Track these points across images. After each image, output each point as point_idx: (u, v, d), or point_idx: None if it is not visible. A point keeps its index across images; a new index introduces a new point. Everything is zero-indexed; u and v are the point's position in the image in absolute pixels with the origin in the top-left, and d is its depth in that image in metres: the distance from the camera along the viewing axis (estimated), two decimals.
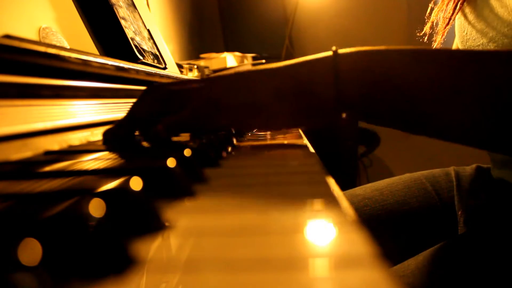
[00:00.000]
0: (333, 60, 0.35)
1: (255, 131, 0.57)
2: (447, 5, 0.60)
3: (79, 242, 0.13)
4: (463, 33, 0.57)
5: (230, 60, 1.46)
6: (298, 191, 0.23)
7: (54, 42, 0.44)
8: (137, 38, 0.64)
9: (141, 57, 0.61)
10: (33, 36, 0.42)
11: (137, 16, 0.71)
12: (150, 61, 0.66)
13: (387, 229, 0.62)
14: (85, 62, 0.39)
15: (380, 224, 0.63)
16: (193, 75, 1.18)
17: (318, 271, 0.13)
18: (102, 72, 0.43)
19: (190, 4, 1.92)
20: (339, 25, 2.02)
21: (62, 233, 0.13)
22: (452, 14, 0.59)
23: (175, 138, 0.39)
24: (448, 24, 0.62)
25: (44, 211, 0.14)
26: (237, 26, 2.07)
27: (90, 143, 0.38)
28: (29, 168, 0.25)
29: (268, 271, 0.13)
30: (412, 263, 0.51)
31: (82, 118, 0.39)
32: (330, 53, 0.36)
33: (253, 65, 1.56)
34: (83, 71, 0.39)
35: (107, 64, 0.43)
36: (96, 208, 0.14)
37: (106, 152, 0.31)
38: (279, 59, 1.99)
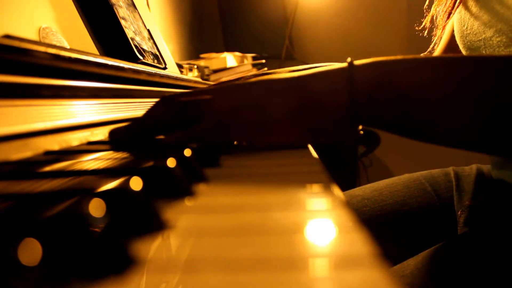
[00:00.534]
0: (349, 72, 0.34)
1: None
2: None
3: (79, 242, 0.13)
4: (462, 28, 0.56)
5: (230, 60, 1.46)
6: (298, 191, 0.23)
7: (54, 42, 0.44)
8: (137, 38, 0.64)
9: (141, 57, 0.61)
10: (33, 36, 0.42)
11: (137, 16, 0.71)
12: (150, 61, 0.66)
13: (386, 229, 0.62)
14: (85, 62, 0.39)
15: (379, 224, 0.63)
16: (193, 75, 1.18)
17: (318, 271, 0.13)
18: (102, 72, 0.43)
19: (190, 4, 1.92)
20: (339, 25, 2.02)
21: (62, 233, 0.13)
22: (453, 7, 0.59)
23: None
24: (448, 18, 0.62)
25: (44, 211, 0.14)
26: (237, 26, 2.07)
27: (90, 143, 0.38)
28: (29, 168, 0.25)
29: (268, 271, 0.13)
30: (412, 263, 0.51)
31: (82, 118, 0.39)
32: (345, 64, 0.35)
33: (253, 65, 1.56)
34: (83, 71, 0.39)
35: (107, 64, 0.43)
36: (96, 208, 0.14)
37: (106, 152, 0.31)
38: (279, 59, 1.99)
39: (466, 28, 0.55)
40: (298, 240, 0.16)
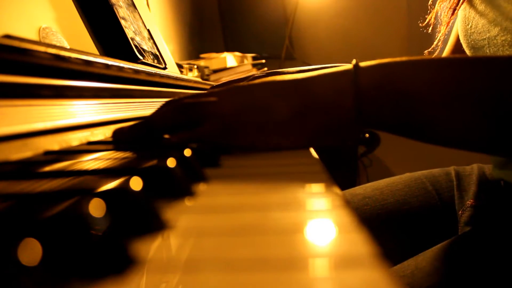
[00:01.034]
0: (354, 74, 0.34)
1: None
2: None
3: (79, 242, 0.13)
4: (467, 26, 0.56)
5: (230, 60, 1.46)
6: (298, 191, 0.23)
7: (54, 42, 0.44)
8: (137, 38, 0.65)
9: (141, 57, 0.61)
10: (33, 36, 0.42)
11: (137, 16, 0.71)
12: (150, 61, 0.66)
13: (387, 229, 0.62)
14: (85, 62, 0.39)
15: (380, 223, 0.63)
16: (193, 75, 1.18)
17: (318, 271, 0.13)
18: (102, 72, 0.43)
19: (190, 4, 1.92)
20: (339, 25, 2.02)
21: (62, 233, 0.13)
22: (458, 4, 0.59)
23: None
24: (453, 14, 0.61)
25: (44, 211, 0.14)
26: (237, 26, 2.07)
27: (90, 143, 0.38)
28: (29, 168, 0.25)
29: (268, 271, 0.13)
30: (412, 263, 0.51)
31: (82, 118, 0.39)
32: (350, 66, 0.34)
33: (253, 65, 1.56)
34: (83, 71, 0.39)
35: (107, 64, 0.43)
36: (96, 208, 0.14)
37: (106, 152, 0.31)
38: (279, 59, 1.99)
39: (471, 27, 0.55)
40: (298, 240, 0.16)
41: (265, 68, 1.56)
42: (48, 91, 0.34)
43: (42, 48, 0.32)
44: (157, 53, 0.76)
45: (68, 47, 0.47)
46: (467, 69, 0.33)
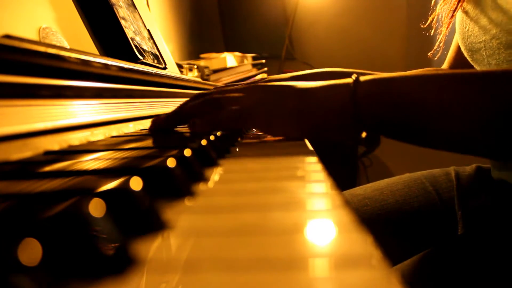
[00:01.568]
0: (353, 86, 0.40)
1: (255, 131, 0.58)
2: None
3: (79, 242, 0.13)
4: (464, 29, 0.57)
5: (230, 60, 1.46)
6: (298, 191, 0.23)
7: (54, 42, 0.44)
8: (137, 38, 0.65)
9: (141, 57, 0.61)
10: (33, 36, 0.42)
11: (137, 16, 0.71)
12: (150, 61, 0.66)
13: (387, 229, 0.62)
14: (85, 62, 0.39)
15: (380, 224, 0.63)
16: (193, 75, 1.18)
17: (318, 271, 0.13)
18: (102, 72, 0.43)
19: (190, 4, 1.92)
20: (339, 25, 2.02)
21: (62, 233, 0.13)
22: (457, 6, 0.59)
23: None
24: (452, 16, 0.62)
25: (44, 211, 0.14)
26: (237, 26, 2.07)
27: (90, 143, 0.38)
28: (29, 168, 0.25)
29: (268, 271, 0.13)
30: (412, 263, 0.51)
31: (82, 118, 0.39)
32: (351, 80, 0.41)
33: (253, 65, 1.56)
34: (83, 71, 0.39)
35: (107, 64, 0.43)
36: (96, 208, 0.14)
37: (106, 152, 0.31)
38: (279, 59, 1.99)
39: (468, 30, 0.56)
40: (298, 240, 0.16)
41: (265, 73, 1.56)
42: (48, 91, 0.34)
43: (42, 48, 0.32)
44: (157, 53, 0.76)
45: (68, 47, 0.47)
46: (462, 85, 0.37)
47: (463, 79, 0.38)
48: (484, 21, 0.53)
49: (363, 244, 0.15)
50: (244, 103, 0.44)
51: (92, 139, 0.39)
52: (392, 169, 2.02)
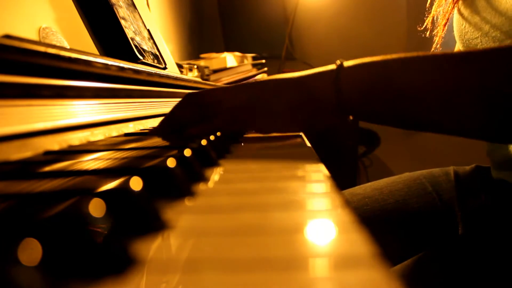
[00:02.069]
0: (336, 72, 0.40)
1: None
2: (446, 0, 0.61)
3: (79, 242, 0.13)
4: (461, 27, 0.57)
5: (230, 60, 1.46)
6: (298, 191, 0.23)
7: (54, 42, 0.44)
8: (137, 38, 0.64)
9: (141, 57, 0.61)
10: (33, 36, 0.42)
11: (137, 16, 0.71)
12: (150, 61, 0.66)
13: (387, 229, 0.62)
14: (85, 62, 0.39)
15: (380, 223, 0.62)
16: (193, 75, 1.18)
17: (318, 271, 0.13)
18: (102, 72, 0.43)
19: (190, 4, 1.92)
20: (339, 25, 2.02)
21: (62, 233, 0.13)
22: (452, 8, 0.60)
23: None
24: (447, 19, 0.62)
25: (44, 211, 0.14)
26: (237, 26, 2.07)
27: (90, 143, 0.38)
28: (29, 168, 0.25)
29: (268, 271, 0.13)
30: (412, 264, 0.51)
31: (82, 118, 0.39)
32: (334, 66, 0.41)
33: (253, 65, 1.56)
34: (83, 71, 0.39)
35: (107, 64, 0.43)
36: (96, 208, 0.14)
37: (106, 152, 0.31)
38: (279, 59, 1.99)
39: (464, 27, 0.56)
40: (298, 240, 0.16)
41: (265, 73, 1.56)
42: (48, 91, 0.34)
43: (42, 48, 0.32)
44: (157, 53, 0.76)
45: (68, 47, 0.47)
46: (449, 65, 0.36)
47: (445, 58, 0.37)
48: (475, 19, 0.53)
49: (363, 244, 0.15)
50: (232, 104, 0.44)
51: (92, 139, 0.39)
52: (392, 169, 2.02)
